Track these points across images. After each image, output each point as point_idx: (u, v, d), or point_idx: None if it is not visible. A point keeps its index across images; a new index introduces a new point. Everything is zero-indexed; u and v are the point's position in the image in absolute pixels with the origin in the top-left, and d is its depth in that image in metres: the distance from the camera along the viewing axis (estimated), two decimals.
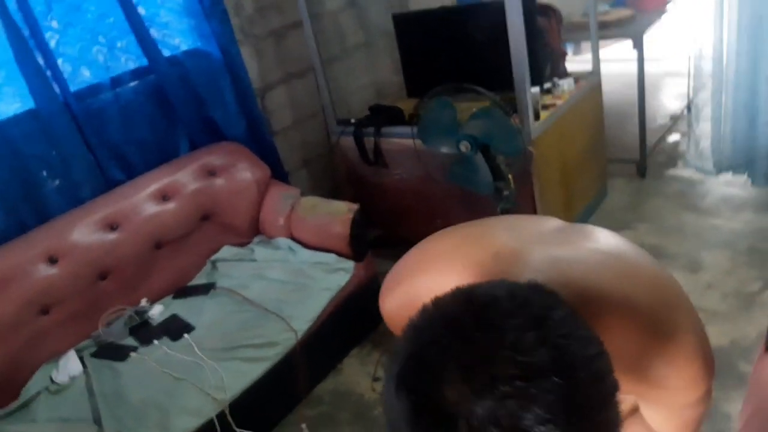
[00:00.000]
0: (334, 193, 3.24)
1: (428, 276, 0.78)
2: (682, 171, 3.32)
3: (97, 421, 1.91)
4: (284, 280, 2.43)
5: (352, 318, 2.54)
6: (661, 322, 0.68)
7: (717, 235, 2.74)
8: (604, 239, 0.77)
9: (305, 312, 2.28)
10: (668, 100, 4.25)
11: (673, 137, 3.73)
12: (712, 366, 0.72)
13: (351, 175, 3.16)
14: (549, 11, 2.97)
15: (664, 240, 2.79)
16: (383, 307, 0.89)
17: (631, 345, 0.66)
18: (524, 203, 2.62)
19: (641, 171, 3.34)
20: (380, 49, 3.55)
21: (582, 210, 3.03)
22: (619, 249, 0.75)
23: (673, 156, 3.49)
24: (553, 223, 0.83)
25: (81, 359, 2.19)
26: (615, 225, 3.00)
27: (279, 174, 2.93)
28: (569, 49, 3.86)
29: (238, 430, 2.01)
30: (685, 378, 0.69)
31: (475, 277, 0.70)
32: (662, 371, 0.68)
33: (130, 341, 2.25)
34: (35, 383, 2.09)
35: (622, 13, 3.28)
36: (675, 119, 3.90)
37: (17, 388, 2.08)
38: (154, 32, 2.55)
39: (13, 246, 2.19)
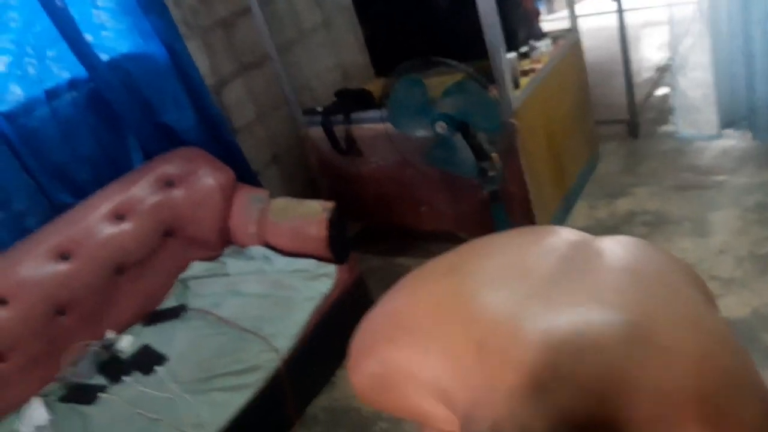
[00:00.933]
0: (311, 188, 3.02)
1: (402, 352, 0.58)
2: (675, 126, 3.12)
3: None
4: (262, 293, 2.23)
5: (341, 325, 2.32)
6: (717, 410, 0.46)
7: (721, 193, 2.55)
8: (618, 273, 0.55)
9: (287, 327, 2.09)
10: (651, 51, 4.04)
11: (662, 90, 3.52)
12: None
13: (325, 168, 2.94)
14: None
15: (666, 204, 2.60)
16: (353, 379, 0.69)
17: None
18: (512, 181, 2.42)
19: (633, 131, 3.14)
20: (341, 27, 3.30)
21: (575, 179, 2.84)
22: (639, 287, 0.54)
23: (664, 111, 3.29)
24: (557, 247, 0.61)
25: (48, 405, 1.99)
26: (611, 191, 2.81)
27: (246, 175, 2.70)
28: (542, 8, 3.64)
29: None
30: None
31: (454, 371, 0.50)
32: None
33: (100, 380, 2.05)
34: None
35: None
36: (661, 71, 3.69)
37: None
38: (88, 36, 2.30)
39: None
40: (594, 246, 0.62)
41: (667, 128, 3.12)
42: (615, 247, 0.61)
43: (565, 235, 0.65)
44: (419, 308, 0.60)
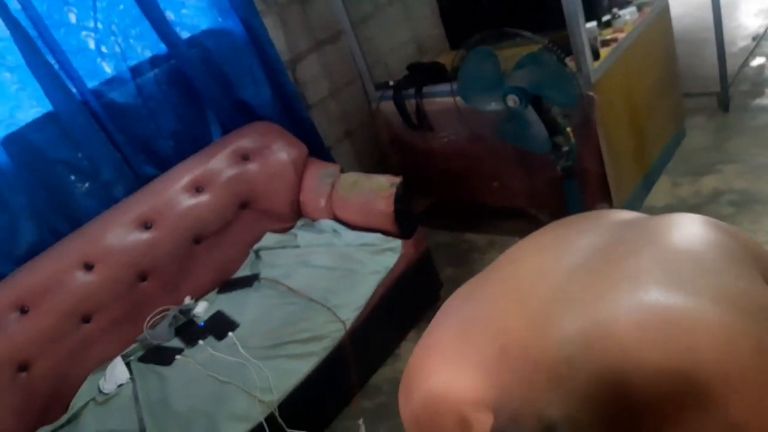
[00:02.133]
0: (382, 163, 3.03)
1: (440, 376, 0.59)
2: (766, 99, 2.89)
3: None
4: (330, 266, 2.27)
5: (406, 299, 2.36)
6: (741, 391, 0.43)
7: None
8: (661, 261, 0.52)
9: (353, 299, 2.12)
10: (748, 18, 3.73)
11: (758, 61, 3.26)
12: None
13: (395, 143, 2.94)
14: None
15: (756, 183, 2.42)
16: (404, 416, 0.72)
17: None
18: (588, 157, 2.32)
19: (723, 104, 2.93)
20: (416, 0, 3.26)
21: (658, 155, 2.69)
22: (683, 280, 0.50)
23: (759, 83, 3.05)
24: (588, 242, 0.59)
25: (128, 365, 2.13)
26: (697, 169, 2.65)
27: (318, 150, 2.75)
28: None
29: (289, 430, 1.90)
30: None
31: (483, 376, 0.51)
32: None
33: (176, 342, 2.16)
34: (83, 394, 2.05)
35: None
36: (758, 39, 3.41)
37: (67, 400, 2.04)
38: (169, 14, 2.40)
39: (47, 256, 2.13)
40: (637, 227, 0.59)
41: (761, 101, 2.89)
42: (654, 226, 0.57)
43: (612, 218, 0.62)
44: (446, 334, 0.60)
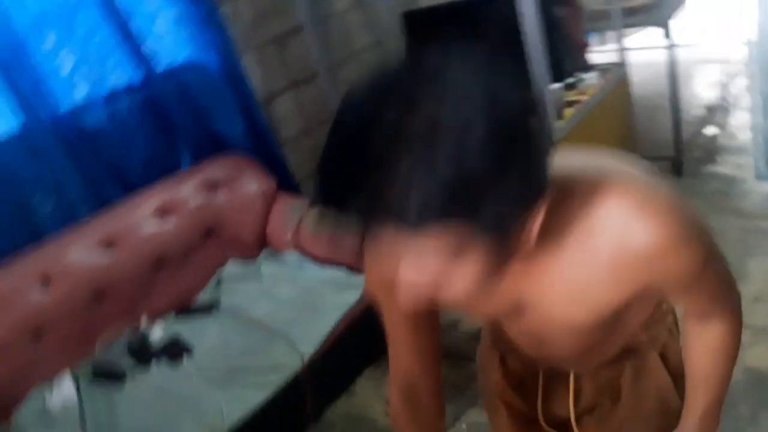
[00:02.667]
0: None
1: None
2: (721, 167, 3.06)
3: None
4: (292, 298, 2.29)
5: (365, 336, 2.36)
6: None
7: (764, 240, 2.49)
8: None
9: (313, 333, 2.14)
10: (703, 89, 3.98)
11: (711, 130, 3.47)
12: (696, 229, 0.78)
13: None
14: (567, 0, 2.78)
15: None
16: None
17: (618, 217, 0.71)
18: None
19: (677, 169, 3.10)
20: (392, 50, 3.39)
21: None
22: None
23: (711, 151, 3.24)
24: None
25: (77, 381, 2.08)
26: None
27: (288, 185, 2.80)
28: (594, 40, 3.64)
29: None
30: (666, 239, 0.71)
31: None
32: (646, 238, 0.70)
33: (129, 363, 2.13)
34: (27, 408, 1.99)
35: None
36: (711, 110, 3.64)
37: (8, 412, 1.98)
38: (148, 45, 2.44)
39: (4, 268, 2.10)
40: None
41: (712, 168, 3.07)
42: None
43: None
44: None
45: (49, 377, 2.08)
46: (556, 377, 1.08)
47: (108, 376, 2.09)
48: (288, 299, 2.29)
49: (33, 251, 2.16)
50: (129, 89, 2.43)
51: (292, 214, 2.56)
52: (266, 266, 2.49)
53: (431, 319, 0.99)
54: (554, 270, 0.75)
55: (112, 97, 2.37)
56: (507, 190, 0.57)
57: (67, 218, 2.27)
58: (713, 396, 0.94)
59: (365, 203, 0.58)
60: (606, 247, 0.71)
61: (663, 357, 1.02)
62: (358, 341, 2.34)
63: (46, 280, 2.12)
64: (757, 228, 2.56)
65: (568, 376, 1.06)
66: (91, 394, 2.03)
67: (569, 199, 0.72)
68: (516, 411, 1.15)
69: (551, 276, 0.76)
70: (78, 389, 2.06)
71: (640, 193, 0.73)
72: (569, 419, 1.08)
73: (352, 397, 2.33)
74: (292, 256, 2.49)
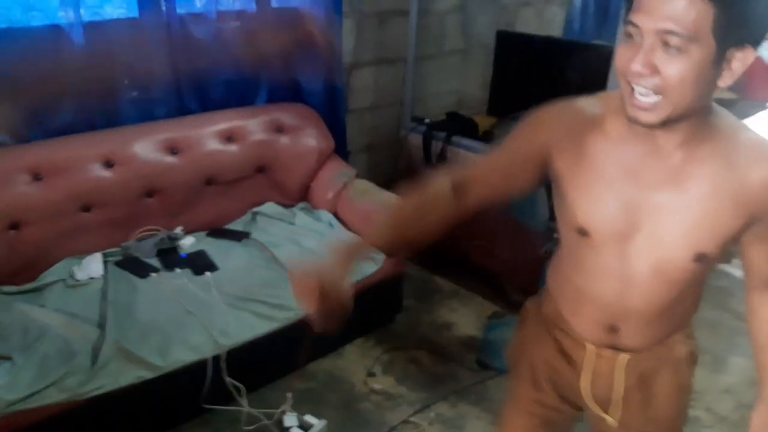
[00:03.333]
0: (388, 186, 3.23)
1: None
2: (735, 269, 3.19)
3: (101, 326, 1.95)
4: (315, 251, 2.44)
5: (368, 308, 2.53)
6: None
7: (749, 343, 2.62)
8: None
9: None
10: None
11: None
12: None
13: (409, 172, 3.15)
14: None
15: (695, 332, 2.68)
16: None
17: None
18: None
19: (697, 258, 3.23)
20: (475, 60, 3.53)
21: None
22: None
23: (730, 254, 3.35)
24: None
25: (105, 264, 2.26)
26: None
27: (341, 150, 2.95)
28: None
29: (227, 377, 2.04)
30: None
31: None
32: None
33: (155, 262, 2.30)
34: (55, 272, 2.16)
35: (726, 94, 3.17)
36: None
37: (38, 272, 2.16)
38: None
39: (76, 139, 2.26)
40: None
41: (727, 268, 3.20)
42: None
43: None
44: None
45: (82, 251, 2.25)
46: (603, 359, 1.15)
47: (135, 266, 2.25)
48: (311, 250, 2.44)
49: (106, 132, 2.33)
50: (239, 13, 2.58)
51: (338, 178, 2.72)
52: (300, 216, 2.65)
53: (529, 181, 1.10)
54: (695, 179, 0.93)
55: (223, 15, 2.51)
56: (761, 7, 0.80)
57: (144, 113, 2.44)
58: None
59: None
60: (747, 160, 0.91)
61: (690, 358, 1.18)
62: (360, 311, 2.48)
63: (108, 163, 2.28)
64: (747, 331, 2.70)
65: (614, 360, 1.14)
66: (116, 277, 2.20)
67: (717, 111, 0.93)
68: (547, 395, 1.25)
69: (690, 187, 0.94)
70: (105, 269, 2.23)
71: None
72: (605, 402, 1.18)
73: (338, 359, 2.49)
74: (325, 215, 2.65)
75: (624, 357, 1.13)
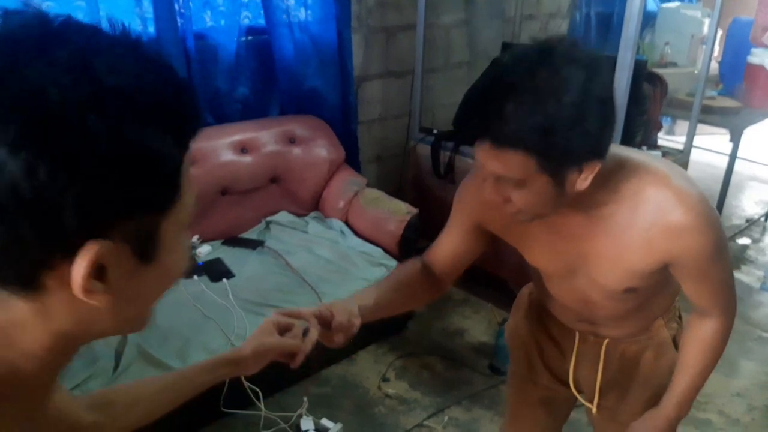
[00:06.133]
0: (397, 195, 3.28)
1: None
2: (744, 276, 3.23)
3: None
4: (328, 258, 2.50)
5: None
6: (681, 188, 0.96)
7: (762, 349, 2.66)
8: None
9: (339, 294, 2.32)
10: (748, 203, 4.14)
11: (744, 240, 3.63)
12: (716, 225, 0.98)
13: (417, 183, 3.21)
14: (656, 80, 2.96)
15: None
16: None
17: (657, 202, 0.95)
18: None
19: None
20: (481, 71, 3.58)
21: None
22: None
23: (740, 258, 3.40)
24: None
25: None
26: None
27: (353, 161, 3.01)
28: (666, 124, 3.82)
29: (245, 381, 2.08)
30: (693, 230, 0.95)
31: None
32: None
33: None
34: None
35: (729, 102, 3.24)
36: (750, 223, 3.80)
37: None
38: None
39: None
40: None
41: (736, 274, 3.23)
42: None
43: None
44: None
45: None
46: (588, 343, 1.27)
47: None
48: (324, 258, 2.50)
49: None
50: (250, 30, 2.66)
51: (349, 187, 2.77)
52: (313, 225, 2.70)
53: (481, 243, 1.22)
54: (604, 234, 1.00)
55: (236, 30, 2.59)
56: (576, 139, 0.84)
57: None
58: (694, 383, 1.14)
59: (479, 122, 0.88)
60: (648, 216, 0.96)
61: (674, 341, 1.23)
62: None
63: None
64: (758, 336, 2.74)
65: (600, 346, 1.25)
66: None
67: (622, 172, 0.98)
68: (542, 377, 1.38)
69: (601, 240, 1.01)
70: None
71: (681, 182, 0.97)
72: (592, 386, 1.29)
73: (351, 365, 2.53)
74: (337, 223, 2.70)
75: (605, 341, 1.25)
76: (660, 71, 3.12)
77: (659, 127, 3.07)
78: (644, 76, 2.72)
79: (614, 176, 0.97)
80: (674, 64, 4.01)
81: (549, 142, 0.83)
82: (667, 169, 0.99)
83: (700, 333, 1.12)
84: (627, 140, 2.64)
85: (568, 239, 1.05)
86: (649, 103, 2.89)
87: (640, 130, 2.88)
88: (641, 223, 0.96)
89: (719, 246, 1.00)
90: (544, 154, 0.85)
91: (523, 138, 0.83)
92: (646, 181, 0.97)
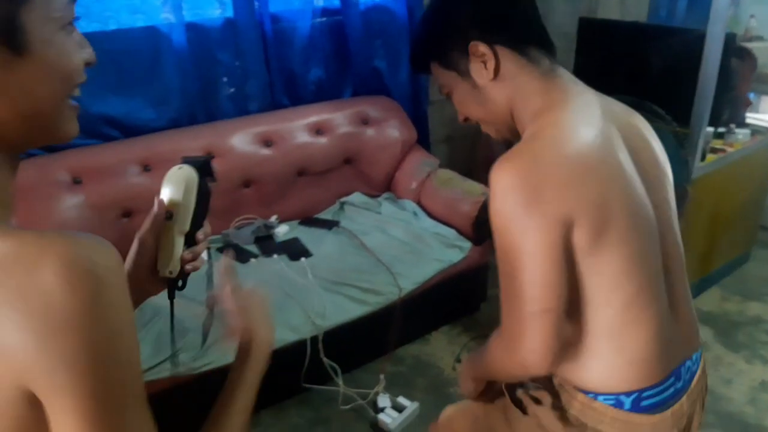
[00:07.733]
0: (468, 175, 3.25)
1: None
2: None
3: (211, 307, 2.07)
4: (402, 239, 2.51)
5: (454, 296, 2.58)
6: None
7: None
8: None
9: (414, 274, 2.35)
10: None
11: None
12: None
13: (488, 164, 3.14)
14: (745, 55, 2.81)
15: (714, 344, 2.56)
16: None
17: None
18: None
19: None
20: (556, 49, 3.49)
21: (718, 267, 2.87)
22: None
23: None
24: None
25: (208, 250, 2.38)
26: (748, 292, 2.82)
27: (424, 141, 3.00)
28: (756, 101, 3.61)
29: (324, 357, 2.13)
30: None
31: None
32: None
33: (253, 249, 2.42)
34: None
35: None
36: None
37: None
38: None
39: (180, 133, 2.41)
40: None
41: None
42: None
43: None
44: None
45: None
46: None
47: (235, 252, 2.37)
48: (398, 239, 2.51)
49: (206, 126, 2.47)
50: (324, 11, 2.67)
51: (422, 168, 2.77)
52: (386, 206, 2.71)
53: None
54: None
55: (311, 12, 2.61)
56: (441, 24, 1.02)
57: (239, 108, 2.57)
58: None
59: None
60: None
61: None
62: (447, 298, 2.54)
63: (209, 155, 2.41)
64: None
65: None
66: (219, 261, 2.32)
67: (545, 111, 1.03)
68: None
69: None
70: (209, 255, 2.35)
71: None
72: None
73: (425, 345, 2.54)
74: (410, 204, 2.70)
75: None
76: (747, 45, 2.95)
77: (748, 104, 2.91)
78: (733, 51, 2.58)
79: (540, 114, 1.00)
80: (760, 38, 3.78)
81: (427, 38, 1.04)
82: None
83: None
84: (714, 117, 2.52)
85: None
86: (738, 79, 2.74)
87: (728, 107, 2.74)
88: None
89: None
90: (429, 50, 1.03)
91: (417, 54, 1.07)
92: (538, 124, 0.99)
